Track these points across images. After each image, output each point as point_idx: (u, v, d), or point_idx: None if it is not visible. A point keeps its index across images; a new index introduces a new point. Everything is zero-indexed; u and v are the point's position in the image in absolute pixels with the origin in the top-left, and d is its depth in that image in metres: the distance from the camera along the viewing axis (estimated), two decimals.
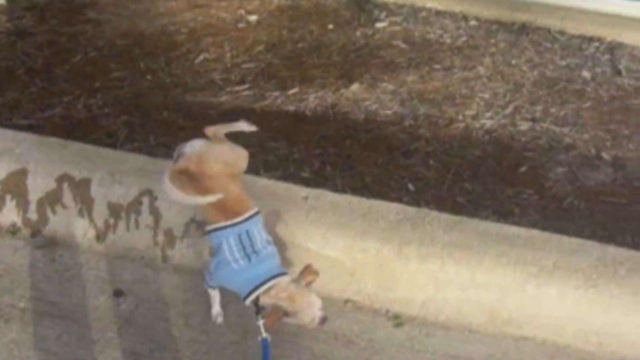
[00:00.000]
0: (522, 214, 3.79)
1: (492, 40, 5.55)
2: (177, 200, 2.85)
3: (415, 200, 3.73)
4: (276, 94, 4.66)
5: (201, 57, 5.05)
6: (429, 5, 5.90)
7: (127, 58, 5.01)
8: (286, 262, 3.19)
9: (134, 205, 3.51)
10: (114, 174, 3.56)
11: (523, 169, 4.17)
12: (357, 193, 3.67)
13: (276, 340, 2.94)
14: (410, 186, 3.89)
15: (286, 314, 2.77)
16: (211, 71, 4.90)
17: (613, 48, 5.75)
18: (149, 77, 4.81)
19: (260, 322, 2.74)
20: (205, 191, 2.77)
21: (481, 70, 5.12)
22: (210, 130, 2.93)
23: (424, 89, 4.82)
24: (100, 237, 3.56)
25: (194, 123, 4.19)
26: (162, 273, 3.45)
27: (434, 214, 3.44)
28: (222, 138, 2.94)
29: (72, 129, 4.22)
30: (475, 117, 4.56)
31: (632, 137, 4.60)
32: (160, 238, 3.49)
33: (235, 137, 2.99)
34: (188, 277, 3.40)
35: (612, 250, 3.37)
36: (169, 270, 3.47)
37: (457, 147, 4.26)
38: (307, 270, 2.87)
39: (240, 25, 5.53)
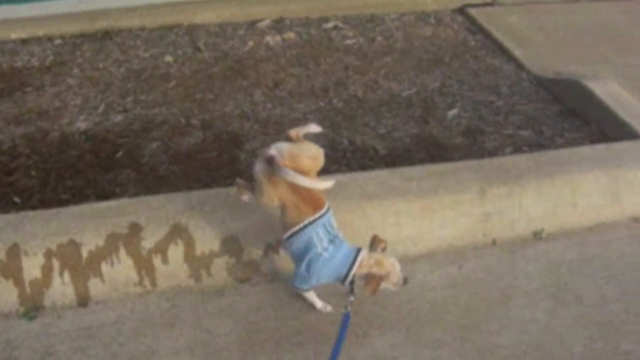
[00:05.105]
0: (123, 192, 4.21)
1: (79, 52, 6.02)
2: (294, 182, 2.99)
3: (22, 208, 3.99)
4: None
5: None
6: (13, 36, 6.19)
7: None
8: None
9: None
10: None
11: (119, 154, 4.61)
12: None
13: None
14: (16, 199, 4.15)
15: (381, 278, 3.11)
16: None
17: (191, 30, 6.51)
18: None
19: (351, 299, 3.11)
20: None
21: (71, 81, 5.56)
22: (293, 132, 3.17)
23: (19, 112, 5.12)
24: None
25: None
26: None
27: (33, 213, 3.76)
28: (302, 139, 3.16)
29: None
30: (69, 124, 4.95)
31: (216, 100, 5.32)
32: None
33: None
34: None
35: (195, 194, 3.95)
36: None
37: (55, 153, 4.60)
38: (376, 238, 3.26)
39: None
